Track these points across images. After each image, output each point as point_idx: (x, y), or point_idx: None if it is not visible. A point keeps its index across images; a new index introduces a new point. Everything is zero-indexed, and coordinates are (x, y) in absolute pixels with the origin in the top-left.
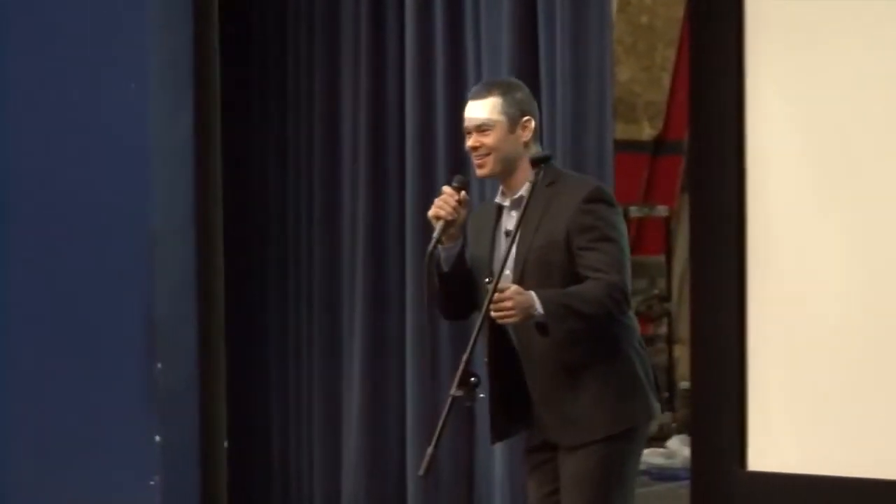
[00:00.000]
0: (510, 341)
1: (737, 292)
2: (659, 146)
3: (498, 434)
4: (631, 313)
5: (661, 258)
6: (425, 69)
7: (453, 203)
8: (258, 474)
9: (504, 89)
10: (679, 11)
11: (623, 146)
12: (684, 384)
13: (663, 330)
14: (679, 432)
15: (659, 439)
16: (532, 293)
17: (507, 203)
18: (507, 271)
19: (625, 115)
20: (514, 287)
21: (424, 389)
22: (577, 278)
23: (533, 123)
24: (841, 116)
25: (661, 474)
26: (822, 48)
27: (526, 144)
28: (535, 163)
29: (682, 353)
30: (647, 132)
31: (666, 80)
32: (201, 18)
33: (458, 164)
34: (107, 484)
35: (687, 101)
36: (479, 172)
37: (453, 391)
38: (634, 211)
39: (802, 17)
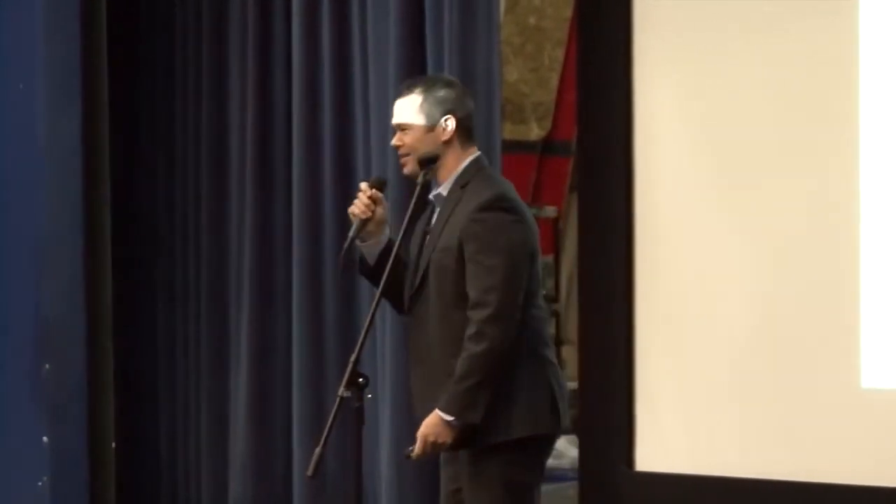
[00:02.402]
0: None
1: (625, 292)
2: (547, 147)
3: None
4: (538, 313)
5: (550, 259)
6: (312, 71)
7: (366, 201)
8: (146, 475)
9: (425, 87)
10: (567, 12)
11: (511, 147)
12: (572, 385)
13: (551, 331)
14: (567, 433)
15: None
16: (436, 412)
17: (433, 198)
18: (421, 270)
19: (513, 115)
20: (420, 434)
21: (311, 390)
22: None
23: (452, 122)
24: (729, 114)
25: (550, 474)
26: (709, 47)
27: (447, 142)
28: (422, 164)
29: (569, 354)
30: (535, 133)
31: (554, 81)
32: (88, 20)
33: (345, 168)
34: None
35: (575, 102)
36: (404, 171)
37: (341, 392)
38: None
39: (689, 16)
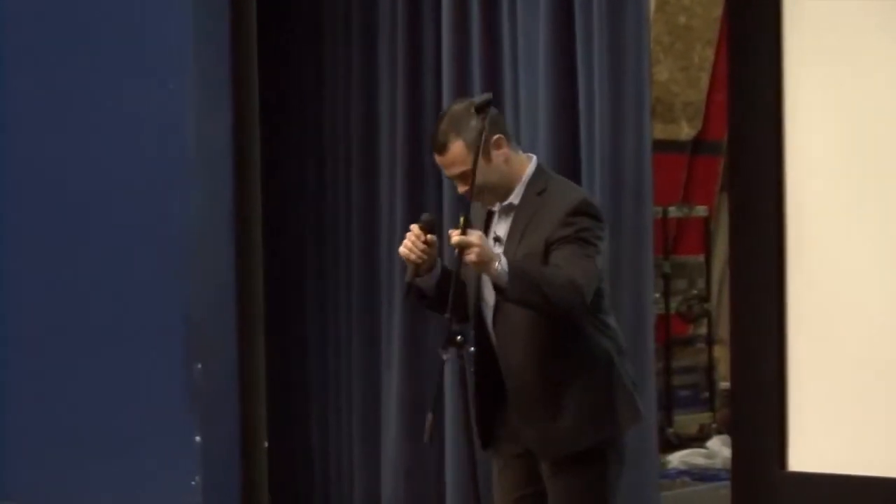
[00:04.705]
0: (494, 351)
1: (776, 292)
2: (697, 146)
3: (487, 441)
4: (611, 321)
5: (701, 258)
6: (462, 70)
7: (421, 247)
8: (298, 474)
9: (457, 128)
10: (717, 11)
11: (661, 146)
12: (724, 384)
13: (703, 330)
14: (719, 433)
15: (699, 440)
16: (499, 252)
17: (496, 208)
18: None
19: (663, 115)
20: (480, 233)
21: (463, 390)
22: None
23: (502, 138)
24: (881, 115)
25: (702, 475)
26: (860, 47)
27: (507, 160)
28: (479, 109)
29: (721, 354)
30: (685, 132)
31: (704, 80)
32: (238, 18)
33: None
34: (148, 484)
35: (725, 102)
36: (486, 206)
37: (445, 355)
38: (673, 211)
39: (841, 15)
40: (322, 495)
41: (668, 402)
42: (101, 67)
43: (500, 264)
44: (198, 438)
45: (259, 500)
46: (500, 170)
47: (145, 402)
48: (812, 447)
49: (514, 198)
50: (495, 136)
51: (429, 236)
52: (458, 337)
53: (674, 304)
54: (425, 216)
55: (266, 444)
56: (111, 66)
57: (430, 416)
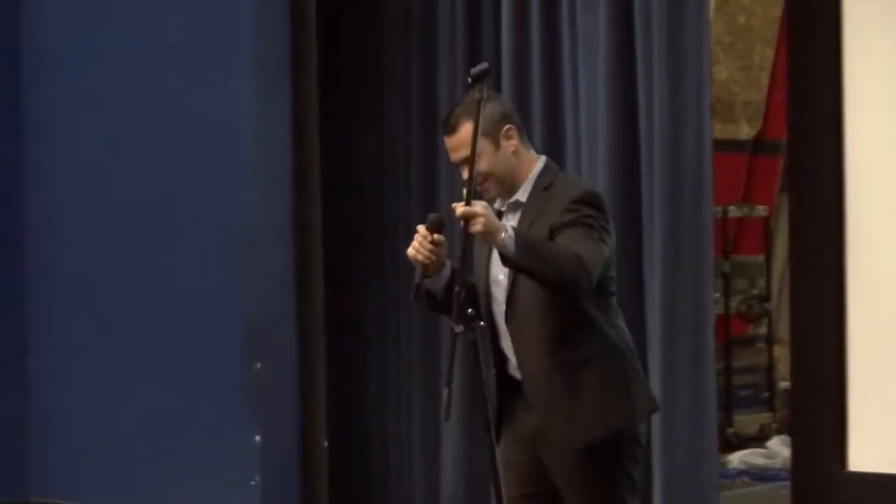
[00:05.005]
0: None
1: (836, 292)
2: (757, 146)
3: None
4: (619, 321)
5: (761, 258)
6: (521, 68)
7: (428, 247)
8: (358, 474)
9: (470, 112)
10: (777, 11)
11: (721, 146)
12: (784, 384)
13: (763, 330)
14: (779, 433)
15: (759, 440)
16: (504, 223)
17: (504, 208)
18: (501, 276)
19: (723, 114)
20: (484, 203)
21: None
22: None
23: (513, 129)
24: None
25: (762, 475)
26: None
27: (515, 151)
28: (475, 79)
29: (781, 354)
30: (745, 132)
31: (764, 80)
32: (299, 19)
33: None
34: (207, 483)
35: (785, 101)
36: (488, 198)
37: (457, 329)
38: (733, 211)
39: None
40: (381, 494)
41: (728, 402)
42: (163, 68)
43: (507, 234)
44: (257, 438)
45: (318, 500)
46: (508, 161)
47: (205, 401)
48: (872, 447)
49: (521, 195)
50: (506, 126)
51: (436, 236)
52: (469, 311)
53: (734, 303)
54: (432, 216)
55: (326, 444)
56: (172, 66)
57: (445, 392)
